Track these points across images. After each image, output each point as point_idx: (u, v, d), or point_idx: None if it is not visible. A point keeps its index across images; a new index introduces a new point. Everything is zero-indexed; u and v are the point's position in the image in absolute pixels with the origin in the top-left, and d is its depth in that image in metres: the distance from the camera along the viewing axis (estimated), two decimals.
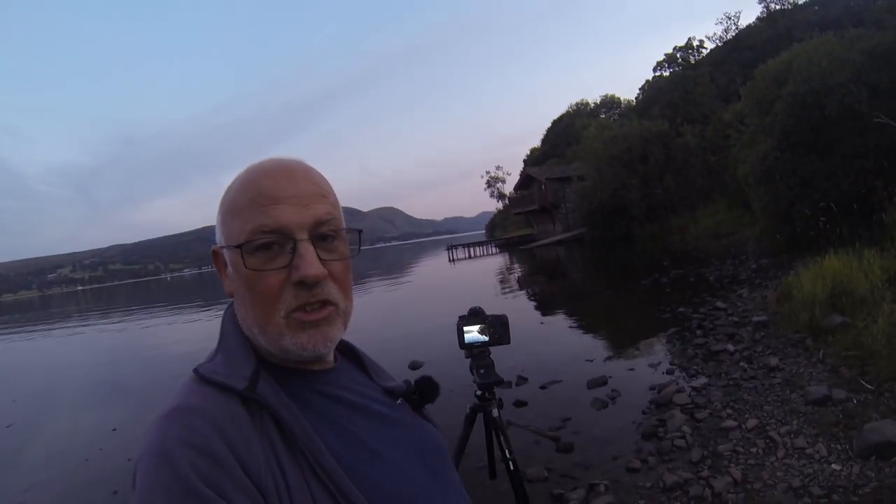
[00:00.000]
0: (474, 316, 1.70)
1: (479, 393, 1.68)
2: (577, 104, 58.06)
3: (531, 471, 3.56)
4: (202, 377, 0.59)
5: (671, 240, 20.55)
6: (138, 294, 58.05)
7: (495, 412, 1.72)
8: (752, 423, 3.57)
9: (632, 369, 5.53)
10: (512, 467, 1.72)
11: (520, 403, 4.98)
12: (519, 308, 10.95)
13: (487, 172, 57.41)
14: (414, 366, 6.63)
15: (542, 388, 5.39)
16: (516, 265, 23.42)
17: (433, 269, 29.37)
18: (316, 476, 0.56)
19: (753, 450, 3.23)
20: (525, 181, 39.96)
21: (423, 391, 0.78)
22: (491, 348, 1.71)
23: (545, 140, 58.97)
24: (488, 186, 57.18)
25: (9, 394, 9.16)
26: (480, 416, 1.77)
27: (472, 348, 1.70)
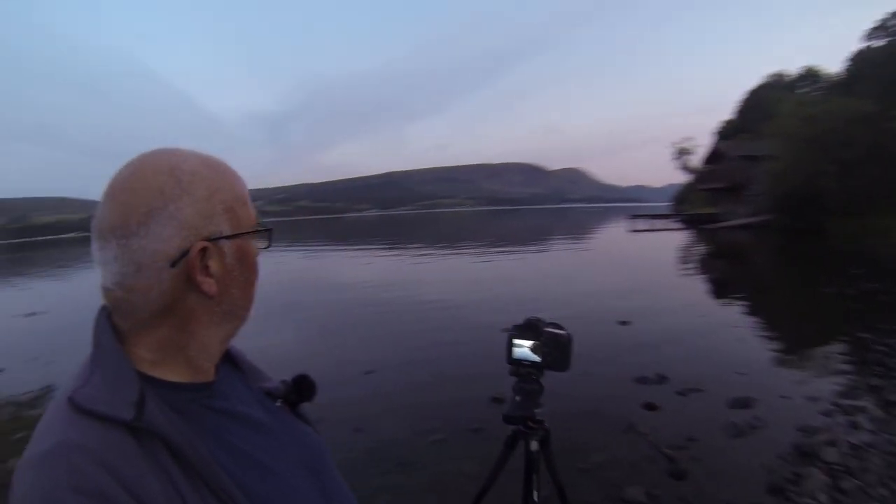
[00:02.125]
0: (528, 329, 1.41)
1: (512, 423, 1.39)
2: (773, 75, 52.94)
3: (630, 489, 3.18)
4: (80, 407, 0.52)
5: (870, 242, 16.66)
6: (323, 229, 66.37)
7: (534, 445, 1.43)
8: None
9: (785, 397, 4.58)
10: None
11: (650, 406, 4.53)
12: (687, 294, 9.97)
13: (676, 143, 52.58)
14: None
15: (680, 394, 4.81)
16: (697, 245, 21.34)
17: (613, 236, 28.51)
18: (218, 501, 0.53)
19: None
20: (714, 156, 36.68)
21: (300, 391, 0.77)
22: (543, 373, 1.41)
23: (738, 112, 53.52)
24: (676, 157, 52.45)
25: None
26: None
27: (519, 366, 1.42)
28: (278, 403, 0.73)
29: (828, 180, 19.92)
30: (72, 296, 16.21)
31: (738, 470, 3.36)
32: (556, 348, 1.37)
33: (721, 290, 10.67)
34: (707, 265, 14.70)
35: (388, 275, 16.10)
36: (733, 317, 7.91)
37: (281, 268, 18.39)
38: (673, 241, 22.70)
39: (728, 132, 48.38)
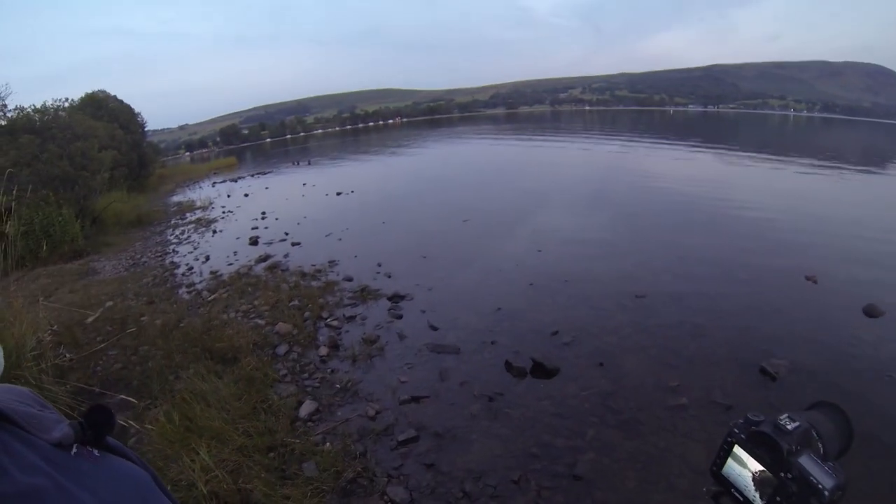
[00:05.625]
0: (764, 444, 0.80)
1: None
2: None
3: None
4: None
5: None
6: (641, 122, 62.33)
7: None
8: None
9: None
10: None
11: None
12: None
13: None
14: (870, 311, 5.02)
15: None
16: None
17: None
18: None
19: None
20: None
21: (94, 426, 0.65)
22: None
23: None
24: None
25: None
26: None
27: (726, 487, 0.85)
28: (74, 451, 0.60)
29: None
30: (379, 178, 19.02)
31: None
32: (800, 496, 0.75)
33: None
34: None
35: (693, 177, 14.59)
36: None
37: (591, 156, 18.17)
38: None
39: None
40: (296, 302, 5.68)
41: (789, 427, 0.81)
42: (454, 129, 53.94)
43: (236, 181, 22.13)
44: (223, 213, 13.55)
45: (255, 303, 5.75)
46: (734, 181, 14.20)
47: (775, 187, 13.03)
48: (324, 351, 4.57)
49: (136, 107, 27.85)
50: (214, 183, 22.81)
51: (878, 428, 3.20)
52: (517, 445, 3.22)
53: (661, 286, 5.90)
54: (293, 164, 29.30)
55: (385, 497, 2.80)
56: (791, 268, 6.33)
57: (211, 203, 15.51)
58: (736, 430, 0.84)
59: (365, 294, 5.98)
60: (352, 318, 5.33)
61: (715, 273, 6.35)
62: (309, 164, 28.12)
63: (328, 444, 3.21)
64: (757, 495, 0.80)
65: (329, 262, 7.43)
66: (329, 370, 4.28)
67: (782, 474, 0.77)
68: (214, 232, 10.88)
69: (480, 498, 2.80)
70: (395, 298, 5.83)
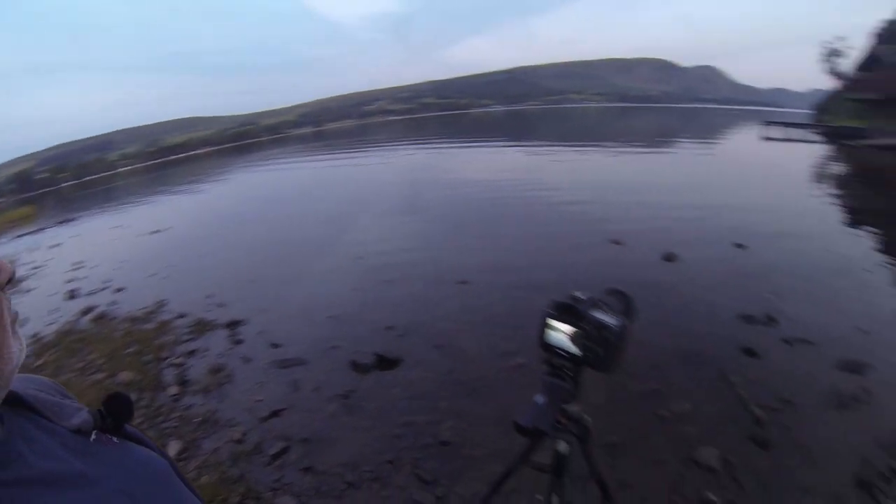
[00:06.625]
0: (568, 312, 1.09)
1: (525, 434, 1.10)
2: None
3: (704, 451, 2.94)
4: None
5: None
6: (447, 125, 66.55)
7: (563, 447, 1.17)
8: None
9: None
10: None
11: (750, 352, 4.12)
12: (816, 221, 8.73)
13: (826, 44, 44.04)
14: (668, 257, 6.64)
15: (786, 342, 4.29)
16: (836, 162, 18.49)
17: (743, 142, 26.06)
18: None
19: None
20: (869, 61, 31.35)
21: (114, 414, 0.66)
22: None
23: None
24: (824, 60, 44.24)
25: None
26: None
27: (552, 354, 1.13)
28: (93, 438, 0.62)
29: None
30: (193, 210, 17.69)
31: (828, 449, 2.92)
32: (600, 342, 1.06)
33: (856, 219, 9.07)
34: (844, 187, 12.61)
35: (500, 171, 16.12)
36: (865, 256, 6.72)
37: (401, 163, 18.89)
38: (809, 154, 19.83)
39: (890, 35, 39.80)
40: (132, 348, 5.23)
41: (583, 297, 1.13)
42: (264, 152, 51.87)
43: (39, 232, 18.62)
44: (32, 269, 11.38)
45: (90, 357, 5.13)
46: (537, 170, 16.28)
47: (577, 171, 15.39)
48: (173, 390, 4.30)
49: None
50: (15, 237, 18.90)
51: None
52: (381, 431, 3.41)
53: (481, 270, 6.59)
54: (99, 207, 25.36)
55: None
56: (598, 237, 7.65)
57: (13, 261, 12.77)
58: (547, 310, 1.14)
59: (201, 327, 5.68)
60: (193, 353, 5.04)
61: (530, 252, 7.31)
62: (117, 204, 24.75)
63: (205, 477, 3.07)
64: (573, 346, 1.09)
65: (158, 302, 6.84)
66: (184, 407, 4.03)
67: (584, 326, 1.08)
68: (25, 292, 9.13)
69: (363, 483, 2.92)
70: (232, 325, 5.64)
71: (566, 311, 1.10)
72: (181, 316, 6.16)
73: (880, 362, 3.84)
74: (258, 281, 7.29)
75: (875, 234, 7.86)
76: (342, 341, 4.91)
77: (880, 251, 6.99)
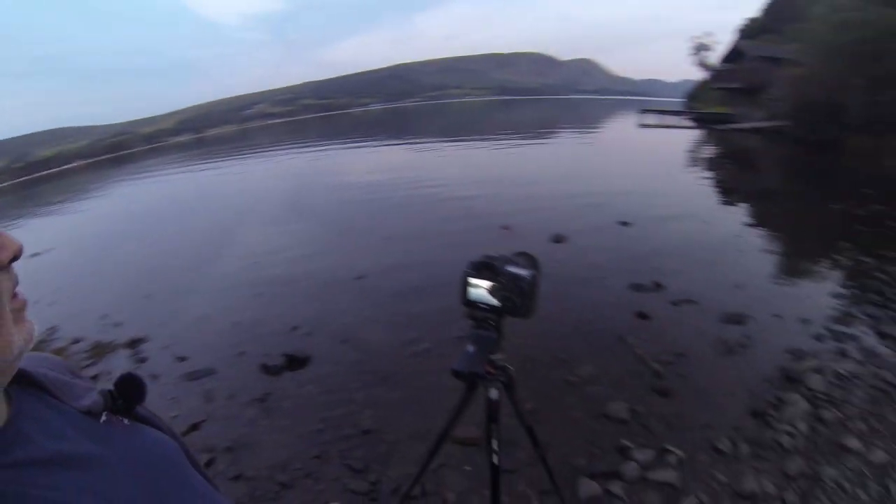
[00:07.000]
0: (485, 268, 1.19)
1: (462, 379, 1.21)
2: None
3: (613, 405, 3.18)
4: None
5: (888, 164, 15.65)
6: (327, 126, 65.20)
7: (493, 394, 1.28)
8: (880, 456, 2.59)
9: (778, 316, 4.43)
10: (497, 462, 1.32)
11: (642, 315, 4.51)
12: (691, 198, 9.68)
13: (695, 38, 48.83)
14: (557, 239, 6.94)
15: (674, 304, 4.76)
16: (706, 145, 20.56)
17: (621, 130, 27.92)
18: None
19: (862, 495, 2.38)
20: (733, 54, 34.29)
21: (126, 396, 0.64)
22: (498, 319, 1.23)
23: (765, 11, 47.91)
24: (694, 53, 48.99)
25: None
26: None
27: (475, 309, 1.23)
28: (103, 419, 0.60)
29: (854, 94, 18.27)
30: (74, 229, 16.16)
31: (722, 390, 3.32)
32: (516, 292, 1.17)
33: (727, 195, 10.26)
34: (715, 168, 14.16)
35: (384, 169, 16.17)
36: (736, 226, 7.64)
37: (285, 169, 18.34)
38: (682, 139, 21.92)
39: (752, 31, 44.66)
40: None
41: (496, 255, 1.24)
42: (142, 163, 48.04)
43: None
44: None
45: None
46: (421, 167, 16.44)
47: (461, 166, 15.75)
48: None
49: None
50: None
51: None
52: (303, 429, 3.39)
53: (376, 265, 6.65)
54: None
55: None
56: (487, 225, 7.91)
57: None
58: (466, 269, 1.23)
59: (100, 349, 5.24)
60: (96, 377, 4.63)
61: (422, 245, 7.45)
62: None
63: None
64: (492, 298, 1.20)
65: (48, 329, 6.22)
66: None
67: (500, 279, 1.18)
68: None
69: (296, 482, 2.88)
70: (133, 343, 5.25)
71: (483, 269, 1.20)
72: (76, 341, 5.65)
73: (758, 312, 4.42)
74: (153, 296, 6.88)
75: (741, 205, 8.94)
76: (249, 346, 4.80)
77: (747, 220, 7.95)
